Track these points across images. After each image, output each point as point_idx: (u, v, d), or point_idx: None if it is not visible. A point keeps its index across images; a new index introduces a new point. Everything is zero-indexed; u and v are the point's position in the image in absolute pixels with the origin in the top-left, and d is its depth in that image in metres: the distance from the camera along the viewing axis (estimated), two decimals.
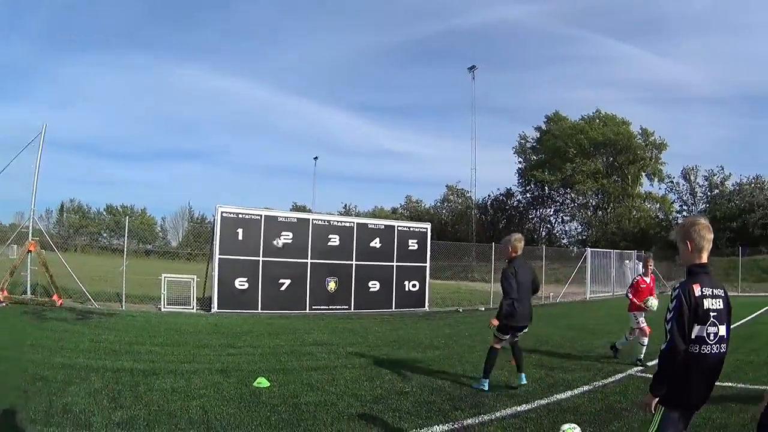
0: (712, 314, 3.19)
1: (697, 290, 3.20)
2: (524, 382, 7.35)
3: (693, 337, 3.16)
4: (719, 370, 3.27)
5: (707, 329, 3.17)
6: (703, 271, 3.32)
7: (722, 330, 3.22)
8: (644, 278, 9.80)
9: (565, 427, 4.75)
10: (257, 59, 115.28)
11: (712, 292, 3.24)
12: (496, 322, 7.08)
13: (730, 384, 6.90)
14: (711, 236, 3.35)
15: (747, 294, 29.06)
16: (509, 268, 7.17)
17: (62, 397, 5.51)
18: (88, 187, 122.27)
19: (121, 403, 5.52)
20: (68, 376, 6.44)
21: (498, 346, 7.27)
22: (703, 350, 3.16)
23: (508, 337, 7.28)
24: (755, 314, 16.63)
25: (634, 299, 9.61)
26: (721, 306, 3.24)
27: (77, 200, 76.74)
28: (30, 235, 14.20)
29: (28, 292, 14.14)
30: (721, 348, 3.21)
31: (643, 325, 9.35)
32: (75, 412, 5.07)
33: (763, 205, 42.68)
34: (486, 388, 7.09)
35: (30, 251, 13.91)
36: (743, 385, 7.00)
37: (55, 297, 13.62)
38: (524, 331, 7.48)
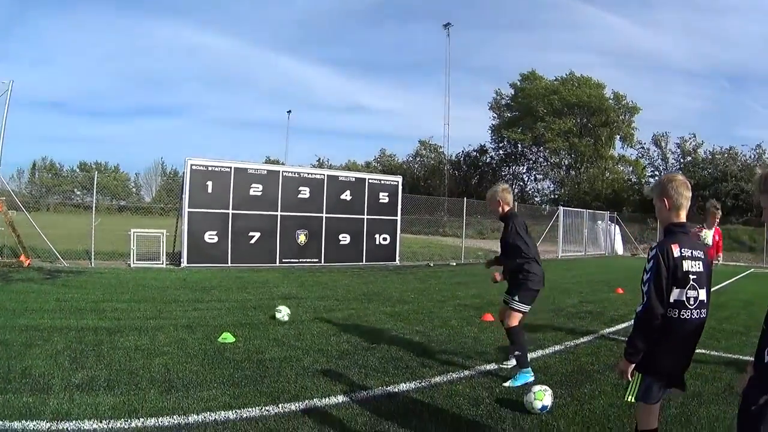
0: (691, 277, 3.04)
1: (675, 250, 3.04)
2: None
3: (672, 300, 3.02)
4: (699, 335, 3.16)
5: (687, 293, 3.03)
6: (681, 230, 3.16)
7: (702, 294, 3.08)
8: (707, 230, 8.59)
9: (536, 388, 4.70)
10: (232, 14, 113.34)
11: (692, 253, 3.08)
12: (499, 277, 5.91)
13: (703, 351, 6.96)
14: (689, 194, 3.19)
15: (718, 262, 29.41)
16: (515, 221, 5.73)
17: (22, 361, 5.43)
18: (61, 146, 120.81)
19: (83, 364, 5.49)
20: (30, 338, 6.35)
21: (519, 323, 5.72)
22: (683, 315, 3.03)
23: (529, 308, 5.83)
24: (726, 282, 16.84)
25: None
26: (701, 269, 3.09)
27: (49, 158, 75.43)
28: None
29: None
30: (701, 313, 3.08)
31: None
32: (34, 375, 5.02)
33: (736, 176, 42.93)
34: (532, 378, 5.55)
35: None
36: (716, 353, 7.04)
37: (22, 257, 13.42)
38: None
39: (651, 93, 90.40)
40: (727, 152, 48.04)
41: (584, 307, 10.84)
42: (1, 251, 14.19)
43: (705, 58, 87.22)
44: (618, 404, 4.86)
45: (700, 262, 3.10)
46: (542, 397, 4.63)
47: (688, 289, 3.03)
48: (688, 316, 3.04)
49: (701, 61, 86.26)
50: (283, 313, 8.27)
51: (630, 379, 3.15)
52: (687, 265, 3.04)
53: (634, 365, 3.11)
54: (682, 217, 3.20)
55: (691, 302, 3.04)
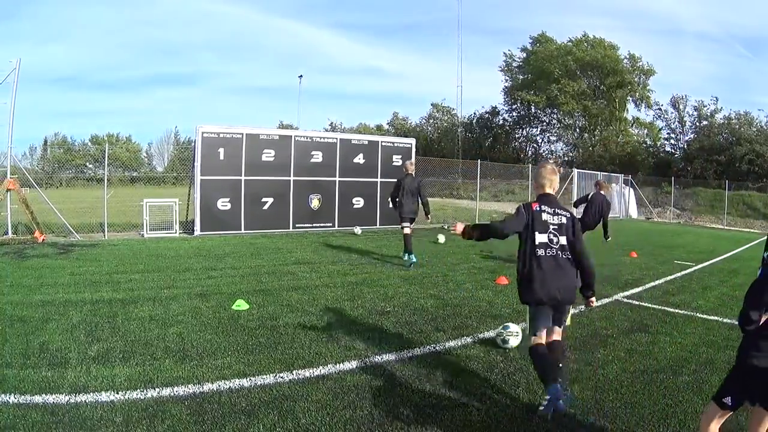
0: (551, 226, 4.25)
1: (535, 206, 4.28)
2: (414, 260, 10.31)
3: (537, 243, 4.18)
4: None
5: (548, 236, 4.21)
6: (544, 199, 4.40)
7: (563, 240, 4.29)
8: None
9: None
10: None
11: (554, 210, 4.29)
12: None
13: (716, 318, 6.96)
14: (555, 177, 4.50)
15: (731, 228, 29.23)
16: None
17: (39, 336, 5.47)
18: (73, 120, 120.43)
19: (98, 336, 5.53)
20: (46, 313, 6.39)
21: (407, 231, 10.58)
22: (548, 252, 4.21)
23: (406, 224, 10.54)
24: (739, 249, 16.54)
25: None
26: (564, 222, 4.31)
27: (61, 134, 75.51)
28: (8, 173, 13.89)
29: (9, 232, 13.97)
30: (564, 253, 4.32)
31: None
32: (51, 350, 5.06)
33: (751, 141, 41.59)
34: (414, 260, 10.33)
35: (9, 190, 13.63)
36: (728, 321, 6.88)
37: (36, 234, 13.49)
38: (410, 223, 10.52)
39: (667, 56, 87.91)
40: (743, 116, 46.48)
41: (598, 271, 10.58)
42: (15, 228, 14.25)
43: (723, 22, 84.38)
44: (632, 370, 4.88)
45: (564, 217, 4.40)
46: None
47: (549, 233, 4.27)
48: (543, 254, 4.25)
49: (719, 25, 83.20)
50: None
51: (459, 233, 4.49)
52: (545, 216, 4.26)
53: (463, 229, 4.43)
54: (547, 190, 4.42)
55: (554, 244, 4.31)
